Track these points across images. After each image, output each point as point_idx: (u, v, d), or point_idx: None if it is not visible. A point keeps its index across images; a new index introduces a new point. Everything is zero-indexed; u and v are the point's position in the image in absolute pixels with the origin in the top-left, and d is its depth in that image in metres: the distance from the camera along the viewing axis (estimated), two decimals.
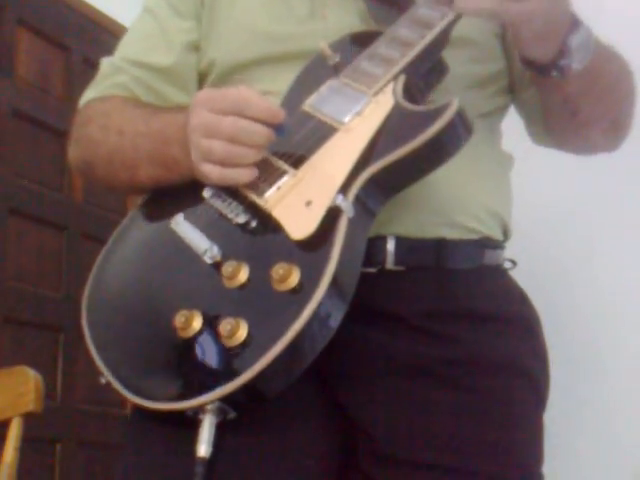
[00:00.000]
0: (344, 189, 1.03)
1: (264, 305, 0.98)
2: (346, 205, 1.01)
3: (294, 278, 0.96)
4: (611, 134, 1.30)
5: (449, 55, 1.18)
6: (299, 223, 1.02)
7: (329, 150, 1.09)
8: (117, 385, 1.02)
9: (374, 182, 1.05)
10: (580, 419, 2.09)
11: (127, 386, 1.01)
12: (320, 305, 0.95)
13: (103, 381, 1.04)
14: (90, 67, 3.48)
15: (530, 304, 1.25)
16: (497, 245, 1.24)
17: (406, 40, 1.15)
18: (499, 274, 1.24)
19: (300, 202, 1.04)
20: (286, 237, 1.02)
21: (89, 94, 1.34)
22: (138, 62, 1.32)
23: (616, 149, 1.35)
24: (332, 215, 1.01)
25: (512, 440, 1.14)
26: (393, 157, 1.04)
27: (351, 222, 1.01)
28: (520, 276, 1.27)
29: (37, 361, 2.58)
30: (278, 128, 1.07)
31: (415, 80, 1.14)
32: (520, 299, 1.24)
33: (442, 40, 1.16)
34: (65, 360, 3.34)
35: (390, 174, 1.05)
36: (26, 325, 3.24)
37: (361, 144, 1.07)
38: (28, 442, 1.94)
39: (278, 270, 0.97)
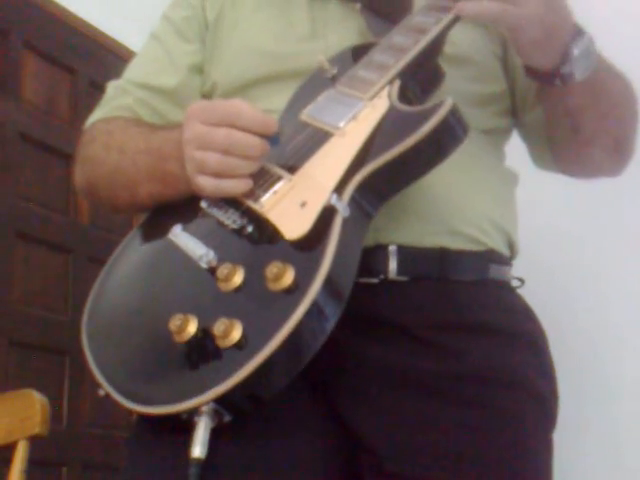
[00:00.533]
0: (339, 190, 1.03)
1: (258, 305, 0.98)
2: (341, 205, 1.01)
3: (288, 277, 0.96)
4: (614, 155, 1.30)
5: (448, 73, 1.20)
6: (294, 223, 1.03)
7: (324, 154, 1.10)
8: (114, 394, 1.02)
9: (370, 183, 1.05)
10: (583, 438, 2.08)
11: (123, 394, 1.01)
12: (314, 304, 0.95)
13: (102, 393, 1.03)
14: (96, 90, 3.48)
15: (537, 321, 1.24)
16: (503, 260, 1.23)
17: (401, 46, 1.16)
18: (505, 290, 1.24)
19: (295, 204, 1.05)
20: (281, 238, 1.03)
21: (95, 116, 1.36)
22: (143, 84, 1.34)
23: (619, 174, 1.35)
24: (327, 215, 1.01)
25: (520, 459, 1.13)
26: (388, 157, 1.04)
27: (346, 222, 1.01)
28: (527, 295, 1.26)
29: (43, 384, 2.58)
30: (272, 139, 1.07)
31: (411, 85, 1.15)
32: (527, 316, 1.24)
33: (437, 45, 1.17)
34: (71, 383, 3.33)
35: (386, 174, 1.05)
36: (32, 348, 3.23)
37: (356, 146, 1.08)
38: (34, 465, 1.93)
39: (272, 269, 0.97)
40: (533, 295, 1.27)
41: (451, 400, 1.11)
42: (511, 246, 1.26)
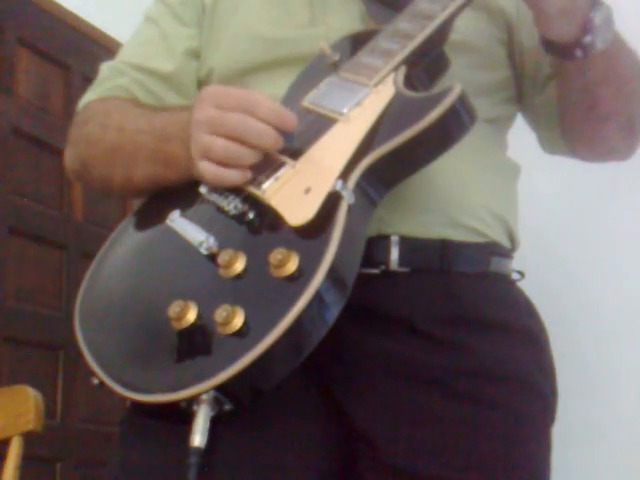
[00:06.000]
0: (344, 176, 1.01)
1: (261, 292, 0.96)
2: (346, 191, 0.99)
3: (293, 264, 0.94)
4: (628, 133, 1.28)
5: (453, 60, 1.18)
6: (298, 210, 1.00)
7: (329, 140, 1.07)
8: (109, 382, 0.99)
9: (375, 170, 1.03)
10: (583, 433, 2.08)
11: (119, 382, 0.99)
12: (318, 291, 0.93)
13: (95, 382, 1.01)
14: (90, 86, 3.47)
15: (538, 316, 1.23)
16: (504, 253, 1.22)
17: (406, 32, 1.14)
18: (506, 283, 1.23)
19: (299, 190, 1.03)
20: (284, 225, 1.00)
21: (88, 96, 1.34)
22: (139, 66, 1.32)
23: (630, 155, 1.34)
24: (332, 201, 0.99)
25: (518, 455, 1.13)
26: (394, 143, 1.03)
27: (351, 209, 0.99)
28: (528, 288, 1.25)
29: (37, 380, 2.58)
30: (287, 135, 1.04)
31: (417, 72, 1.13)
32: (528, 310, 1.23)
33: (443, 32, 1.16)
34: (65, 379, 3.33)
35: (391, 161, 1.04)
36: (26, 344, 3.23)
37: (361, 132, 1.06)
38: (28, 461, 1.93)
39: (276, 255, 0.95)
40: (535, 287, 1.27)
41: (451, 394, 1.11)
42: (512, 238, 1.25)
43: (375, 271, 1.13)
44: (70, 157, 1.31)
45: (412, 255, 1.14)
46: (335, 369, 1.13)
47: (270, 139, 1.03)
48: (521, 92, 1.33)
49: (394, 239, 1.13)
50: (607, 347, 2.13)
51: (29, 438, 1.89)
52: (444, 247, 1.15)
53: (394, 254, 1.13)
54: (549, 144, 1.38)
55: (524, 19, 1.21)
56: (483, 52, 1.27)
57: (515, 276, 1.26)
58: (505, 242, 1.23)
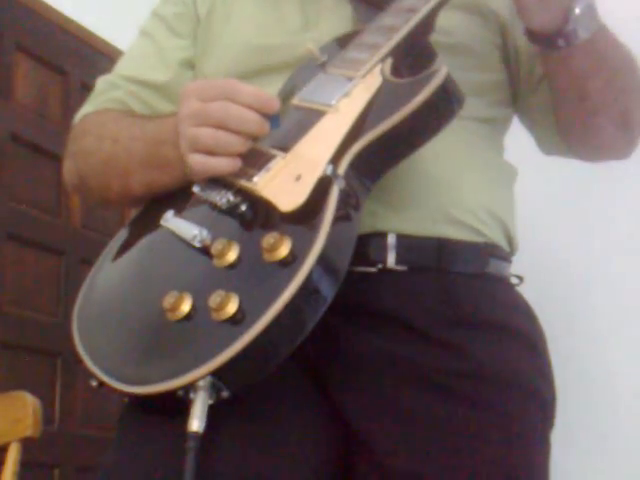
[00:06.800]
0: (334, 161, 1.02)
1: (254, 277, 0.97)
2: (336, 175, 1.00)
3: (285, 247, 0.95)
4: (622, 128, 1.27)
5: (446, 62, 1.18)
6: (289, 196, 1.01)
7: (318, 131, 1.08)
8: (107, 379, 1.00)
9: (366, 155, 1.04)
10: (580, 439, 2.08)
11: (118, 378, 0.99)
12: (310, 274, 0.93)
13: (94, 383, 1.02)
14: (88, 92, 3.43)
15: (536, 320, 1.23)
16: (503, 255, 1.22)
17: (391, 26, 1.16)
18: (505, 286, 1.23)
19: (290, 178, 1.03)
20: (276, 212, 1.01)
21: (84, 110, 1.34)
22: (134, 79, 1.33)
23: (628, 154, 1.33)
24: (323, 186, 1.00)
25: (516, 459, 1.12)
26: (384, 127, 1.04)
27: (343, 193, 1.00)
28: (526, 292, 1.25)
29: (35, 386, 2.57)
30: (272, 118, 1.05)
31: (403, 63, 1.14)
32: (526, 313, 1.23)
33: (427, 25, 1.17)
34: (63, 385, 3.32)
35: (382, 146, 1.04)
36: (24, 350, 3.23)
37: (350, 120, 1.06)
38: (26, 467, 1.93)
39: (269, 239, 0.96)
40: (534, 292, 1.27)
41: (449, 396, 1.10)
42: (510, 240, 1.25)
43: (372, 269, 1.13)
44: (68, 171, 1.32)
45: (409, 253, 1.14)
46: (331, 368, 1.12)
47: (254, 123, 1.04)
48: (516, 94, 1.33)
49: (391, 238, 1.13)
50: (606, 350, 2.13)
51: (27, 444, 1.89)
52: (441, 246, 1.15)
53: (391, 252, 1.13)
54: (546, 144, 1.38)
55: (518, 21, 1.22)
56: (477, 54, 1.27)
57: (514, 280, 1.26)
58: (503, 244, 1.23)
